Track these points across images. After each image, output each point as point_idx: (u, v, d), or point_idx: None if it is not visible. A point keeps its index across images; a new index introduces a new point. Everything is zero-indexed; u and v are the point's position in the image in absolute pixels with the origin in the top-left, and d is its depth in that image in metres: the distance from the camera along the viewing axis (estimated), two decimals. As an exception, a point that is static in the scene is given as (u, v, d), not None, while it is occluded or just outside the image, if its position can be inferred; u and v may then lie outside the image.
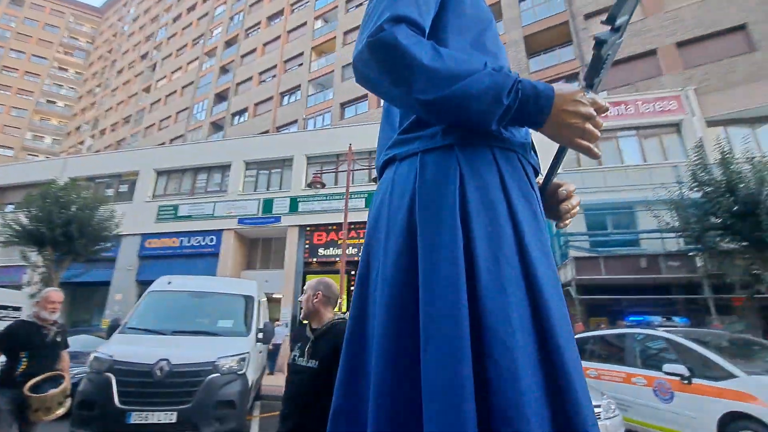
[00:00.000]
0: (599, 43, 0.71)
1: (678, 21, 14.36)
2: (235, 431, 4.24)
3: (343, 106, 21.78)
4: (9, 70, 44.84)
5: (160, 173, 17.18)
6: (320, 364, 1.93)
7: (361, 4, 24.19)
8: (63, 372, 3.25)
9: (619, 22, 0.70)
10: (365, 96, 21.01)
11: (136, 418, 3.88)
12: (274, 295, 13.62)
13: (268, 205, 14.83)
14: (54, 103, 46.78)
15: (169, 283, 5.94)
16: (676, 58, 14.13)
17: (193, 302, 5.73)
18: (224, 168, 16.44)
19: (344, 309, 10.49)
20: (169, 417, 3.94)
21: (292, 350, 2.16)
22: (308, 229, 14.26)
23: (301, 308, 2.23)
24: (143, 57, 38.29)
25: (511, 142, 0.79)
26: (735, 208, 8.75)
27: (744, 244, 8.85)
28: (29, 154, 41.99)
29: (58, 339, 3.34)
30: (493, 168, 0.74)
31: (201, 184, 16.68)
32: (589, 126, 0.71)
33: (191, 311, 5.62)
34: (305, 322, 2.20)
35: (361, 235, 13.52)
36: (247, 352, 4.83)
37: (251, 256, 16.09)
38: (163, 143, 28.96)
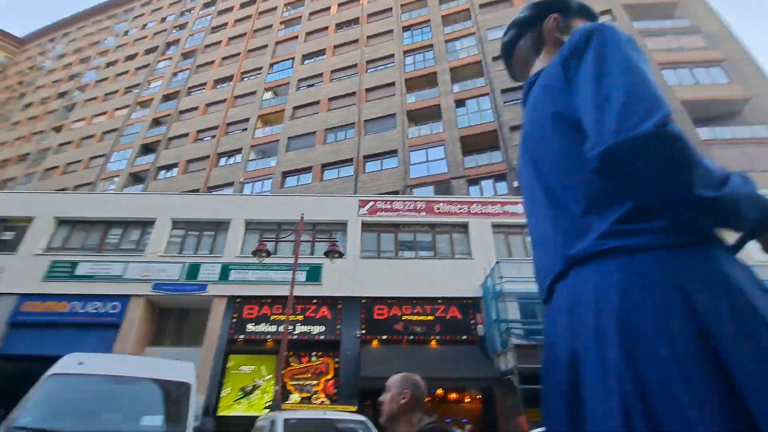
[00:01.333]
0: None
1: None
2: None
3: (285, 175, 21.56)
4: None
5: (62, 222, 14.66)
6: None
7: (312, 85, 25.54)
8: None
9: None
10: (309, 168, 21.16)
11: None
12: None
13: (193, 270, 13.23)
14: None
15: (81, 363, 4.64)
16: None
17: (109, 391, 4.49)
18: (145, 224, 14.61)
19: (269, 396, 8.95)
20: None
21: None
22: (238, 300, 12.83)
23: (381, 411, 1.71)
24: (61, 95, 35.13)
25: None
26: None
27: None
28: None
29: None
30: (743, 268, 0.70)
31: (113, 240, 14.47)
32: None
33: (106, 404, 4.37)
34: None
35: (299, 311, 12.49)
36: (185, 463, 3.80)
37: (161, 330, 13.73)
38: (63, 189, 25.38)
